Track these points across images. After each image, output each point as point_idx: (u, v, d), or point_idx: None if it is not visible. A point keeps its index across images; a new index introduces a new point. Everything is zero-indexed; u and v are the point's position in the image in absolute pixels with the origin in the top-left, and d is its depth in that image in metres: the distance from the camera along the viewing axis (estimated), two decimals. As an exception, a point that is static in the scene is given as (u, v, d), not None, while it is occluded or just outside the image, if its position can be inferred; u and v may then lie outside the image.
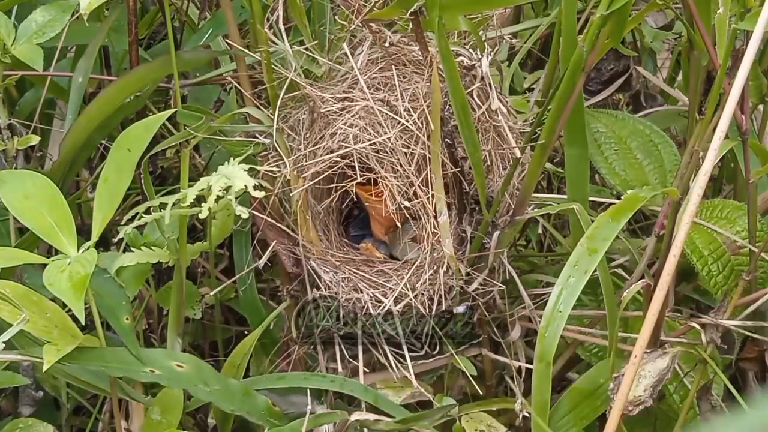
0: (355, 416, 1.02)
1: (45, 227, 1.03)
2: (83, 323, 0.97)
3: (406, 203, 1.05)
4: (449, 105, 1.02)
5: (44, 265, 1.20)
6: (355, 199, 1.13)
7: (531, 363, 1.18)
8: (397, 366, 1.10)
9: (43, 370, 0.99)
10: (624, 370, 0.92)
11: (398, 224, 1.10)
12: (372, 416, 1.03)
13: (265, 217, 1.13)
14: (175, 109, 1.11)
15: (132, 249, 1.19)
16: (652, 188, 1.16)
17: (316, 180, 1.09)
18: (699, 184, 0.88)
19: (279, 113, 1.10)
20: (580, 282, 0.94)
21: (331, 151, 1.07)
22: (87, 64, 1.23)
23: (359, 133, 1.06)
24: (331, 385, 1.10)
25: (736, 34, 0.96)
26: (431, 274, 1.08)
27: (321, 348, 1.15)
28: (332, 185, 1.12)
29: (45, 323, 1.03)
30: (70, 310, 0.97)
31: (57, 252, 1.03)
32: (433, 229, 1.06)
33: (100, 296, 1.06)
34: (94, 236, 1.02)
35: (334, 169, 1.08)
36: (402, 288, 1.08)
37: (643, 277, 1.11)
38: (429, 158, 1.04)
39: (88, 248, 1.01)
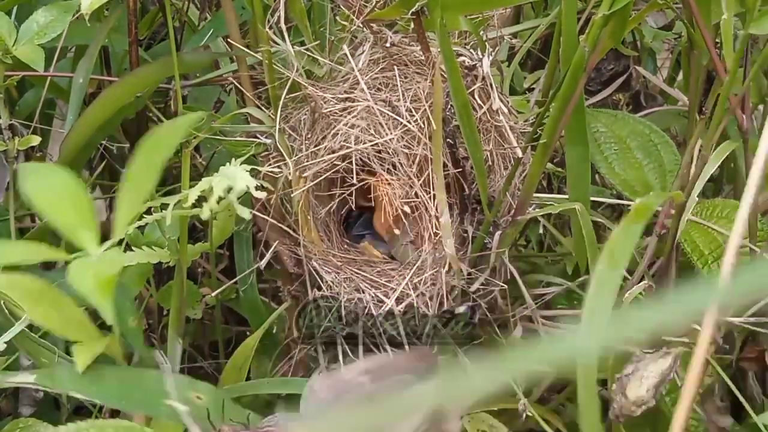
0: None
1: (68, 223, 1.02)
2: (110, 323, 0.96)
3: (407, 209, 1.05)
4: (451, 105, 1.02)
5: (46, 266, 1.20)
6: (353, 207, 1.14)
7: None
8: (398, 366, 1.10)
9: (80, 372, 0.98)
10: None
11: (400, 224, 1.10)
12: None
13: (268, 218, 1.13)
14: (201, 113, 1.10)
15: (133, 249, 1.19)
16: (659, 194, 1.15)
17: (317, 180, 1.09)
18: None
19: (280, 113, 1.10)
20: (609, 301, 0.91)
21: (333, 152, 1.07)
22: (88, 65, 1.23)
23: (361, 134, 1.06)
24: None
25: (747, 40, 0.96)
26: (433, 274, 1.08)
27: (322, 349, 1.15)
28: (333, 186, 1.12)
29: (62, 320, 1.02)
30: (83, 306, 0.97)
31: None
32: (434, 230, 1.06)
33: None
34: (117, 234, 1.01)
35: (335, 170, 1.08)
36: (404, 288, 1.08)
37: (643, 277, 1.11)
38: (431, 158, 1.04)
39: (111, 246, 1.00)
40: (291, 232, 1.15)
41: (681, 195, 0.99)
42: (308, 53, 1.10)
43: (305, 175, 1.09)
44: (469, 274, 1.10)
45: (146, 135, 1.02)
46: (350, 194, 1.07)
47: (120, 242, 1.12)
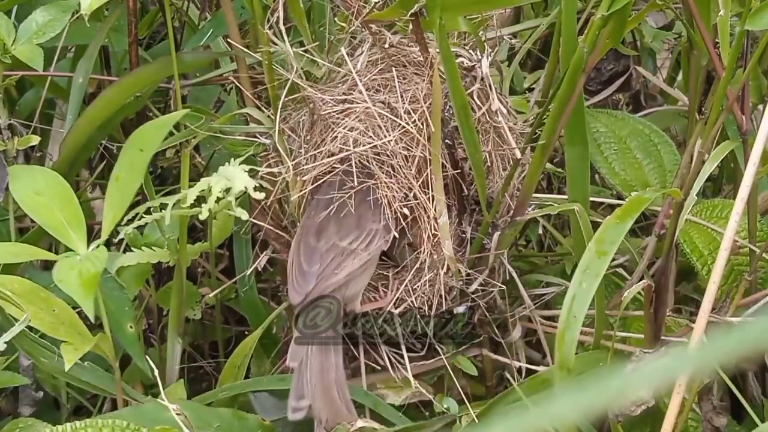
0: (360, 423, 1.01)
1: (56, 224, 1.02)
2: (93, 320, 0.97)
3: (406, 212, 1.05)
4: (449, 106, 1.02)
5: (45, 266, 1.20)
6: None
7: (531, 363, 1.19)
8: (397, 366, 1.10)
9: (66, 370, 0.98)
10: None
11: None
12: (375, 425, 1.03)
13: (265, 225, 1.13)
14: (185, 111, 1.10)
15: (132, 249, 1.19)
16: (655, 189, 1.16)
17: (316, 184, 1.09)
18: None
19: (279, 114, 1.10)
20: (593, 286, 0.93)
21: (332, 155, 1.06)
22: (87, 65, 1.23)
23: (359, 136, 1.05)
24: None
25: (743, 37, 0.96)
26: (431, 277, 1.08)
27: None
28: (332, 189, 1.11)
29: (52, 320, 1.02)
30: (76, 307, 0.97)
31: (59, 251, 1.03)
32: (433, 231, 1.06)
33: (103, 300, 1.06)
34: (104, 234, 1.02)
35: (334, 173, 1.08)
36: (402, 290, 1.08)
37: (643, 277, 1.11)
38: (429, 160, 1.04)
39: (98, 246, 1.00)
40: (288, 235, 1.15)
41: (678, 192, 0.99)
42: (307, 55, 1.10)
43: (304, 178, 1.09)
44: (468, 274, 1.10)
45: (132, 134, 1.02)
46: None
47: (119, 242, 1.13)
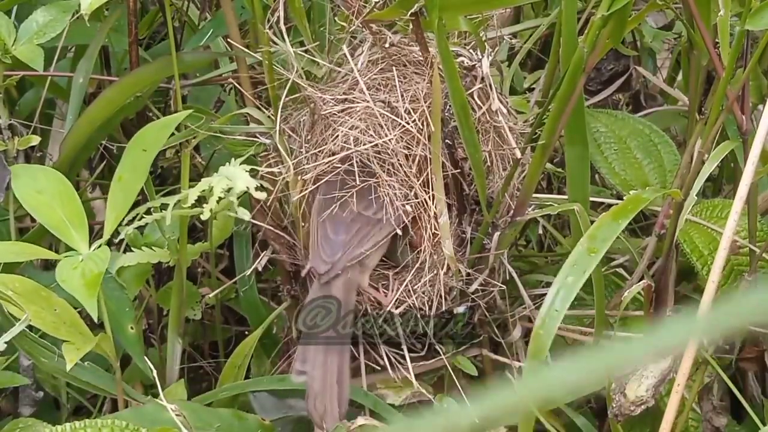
0: (360, 421, 1.02)
1: (57, 223, 1.02)
2: (96, 321, 0.97)
3: (408, 208, 1.05)
4: (449, 106, 1.02)
5: (46, 266, 1.20)
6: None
7: (531, 363, 1.19)
8: (397, 366, 1.10)
9: (67, 369, 0.99)
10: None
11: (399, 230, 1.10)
12: (375, 422, 1.03)
13: (265, 225, 1.13)
14: (188, 111, 1.10)
15: (133, 249, 1.19)
16: (654, 189, 1.16)
17: (318, 185, 1.09)
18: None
19: (280, 114, 1.10)
20: (578, 282, 0.93)
21: (333, 154, 1.06)
22: (87, 65, 1.23)
23: (360, 135, 1.05)
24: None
25: (743, 37, 0.96)
26: (431, 277, 1.08)
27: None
28: (333, 189, 1.11)
29: (53, 319, 1.03)
30: (77, 307, 0.97)
31: (59, 252, 1.03)
32: (433, 230, 1.06)
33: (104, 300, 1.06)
34: (107, 234, 1.02)
35: (335, 172, 1.08)
36: (403, 291, 1.08)
37: (643, 277, 1.11)
38: (430, 159, 1.04)
39: (100, 246, 1.01)
40: (288, 235, 1.15)
41: (678, 192, 0.99)
42: (307, 56, 1.10)
43: (305, 177, 1.09)
44: (468, 274, 1.10)
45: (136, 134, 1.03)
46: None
47: (120, 242, 1.13)
